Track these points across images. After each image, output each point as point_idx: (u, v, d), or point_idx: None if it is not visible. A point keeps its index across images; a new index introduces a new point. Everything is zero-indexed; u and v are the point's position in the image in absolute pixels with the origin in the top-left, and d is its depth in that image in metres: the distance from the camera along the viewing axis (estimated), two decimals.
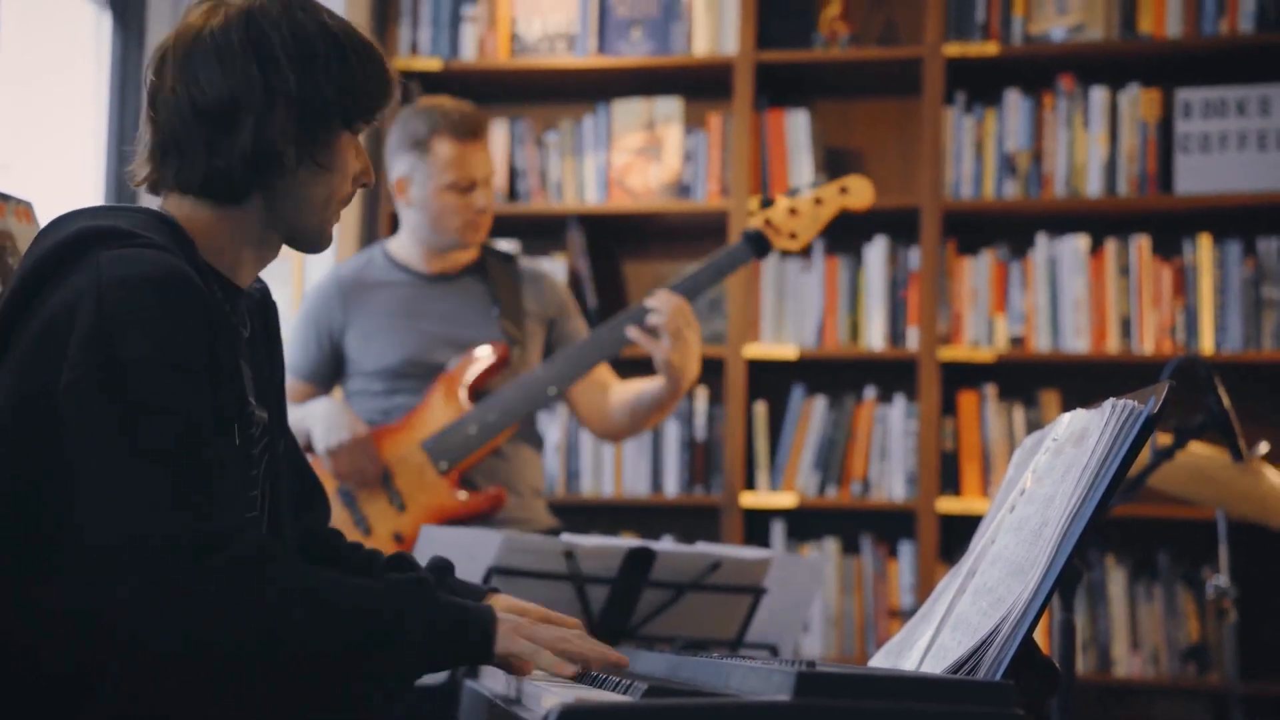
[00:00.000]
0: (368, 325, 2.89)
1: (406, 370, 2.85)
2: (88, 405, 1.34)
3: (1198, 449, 2.61)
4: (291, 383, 2.91)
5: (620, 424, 2.93)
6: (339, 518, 2.72)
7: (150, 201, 1.59)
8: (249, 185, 1.50)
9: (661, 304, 2.68)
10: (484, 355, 2.82)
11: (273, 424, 1.60)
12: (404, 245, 2.95)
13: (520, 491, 2.86)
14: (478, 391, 2.81)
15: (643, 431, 3.03)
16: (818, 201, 2.80)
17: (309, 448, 2.80)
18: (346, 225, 3.98)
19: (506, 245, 3.13)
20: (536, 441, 2.95)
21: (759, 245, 2.78)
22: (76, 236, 1.43)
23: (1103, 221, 3.77)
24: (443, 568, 1.67)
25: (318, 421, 2.78)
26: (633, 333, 2.70)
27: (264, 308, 1.65)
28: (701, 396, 3.89)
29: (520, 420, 2.79)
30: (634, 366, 2.94)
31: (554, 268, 3.90)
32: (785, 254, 2.94)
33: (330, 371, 2.95)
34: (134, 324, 1.36)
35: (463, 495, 2.76)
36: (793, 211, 2.78)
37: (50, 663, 1.38)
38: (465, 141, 2.81)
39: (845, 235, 3.89)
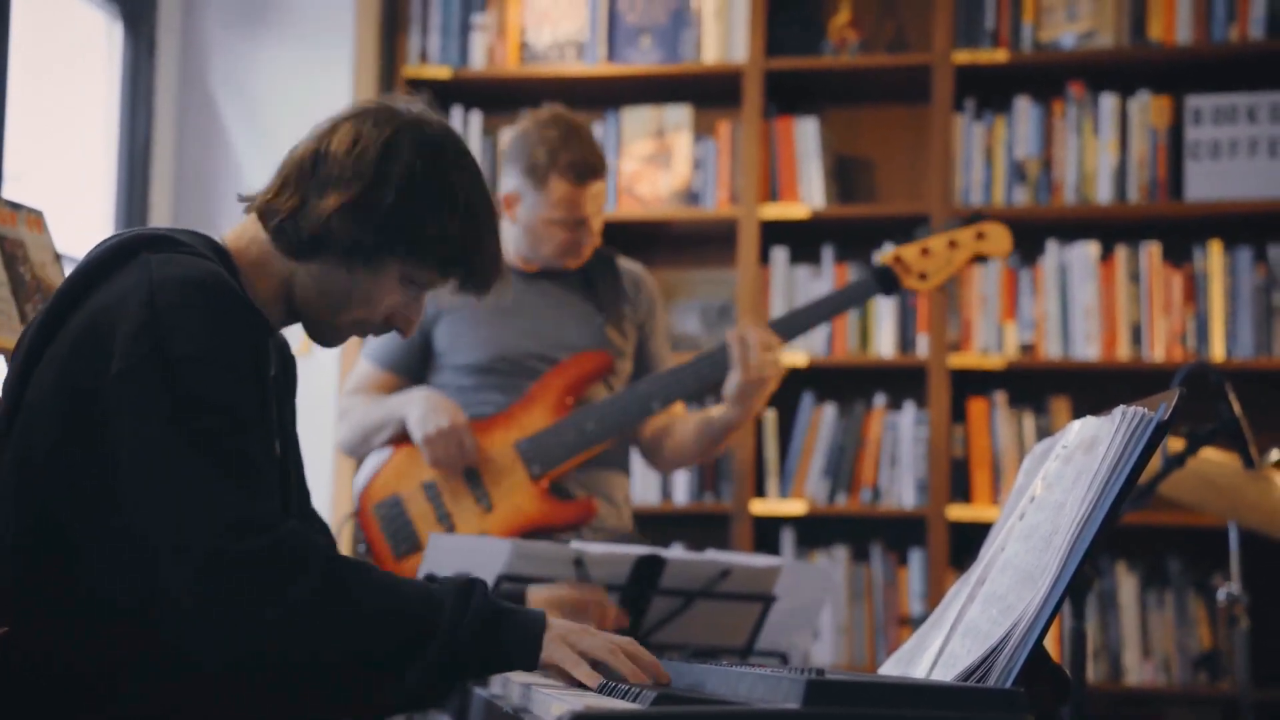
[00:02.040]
0: (459, 319, 2.81)
1: (497, 367, 2.77)
2: (138, 396, 1.38)
3: (1209, 456, 2.60)
4: (375, 371, 2.86)
5: (688, 454, 2.85)
6: (422, 511, 2.68)
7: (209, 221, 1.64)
8: (302, 247, 1.56)
9: (753, 338, 2.62)
10: (587, 361, 2.75)
11: (287, 462, 1.63)
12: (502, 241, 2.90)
13: (615, 501, 2.80)
14: (576, 397, 2.75)
15: (700, 463, 2.98)
16: (952, 244, 2.74)
17: (402, 437, 2.73)
18: None
19: None
20: (628, 452, 2.88)
21: (886, 281, 2.72)
22: (125, 241, 1.48)
23: (1113, 228, 3.77)
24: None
25: (415, 406, 2.69)
26: (730, 337, 2.63)
27: (284, 359, 1.68)
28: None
29: (619, 433, 2.72)
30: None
31: None
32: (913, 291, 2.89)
33: (418, 362, 2.85)
34: (184, 322, 1.40)
35: (553, 503, 2.68)
36: (925, 251, 2.73)
37: (74, 660, 1.39)
38: (583, 185, 2.73)
39: (855, 242, 3.89)
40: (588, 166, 2.73)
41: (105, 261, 1.47)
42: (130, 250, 1.47)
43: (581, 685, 1.42)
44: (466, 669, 1.43)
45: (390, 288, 1.58)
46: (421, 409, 2.68)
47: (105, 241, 1.51)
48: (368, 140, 1.55)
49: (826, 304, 2.76)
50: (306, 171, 1.56)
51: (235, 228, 1.61)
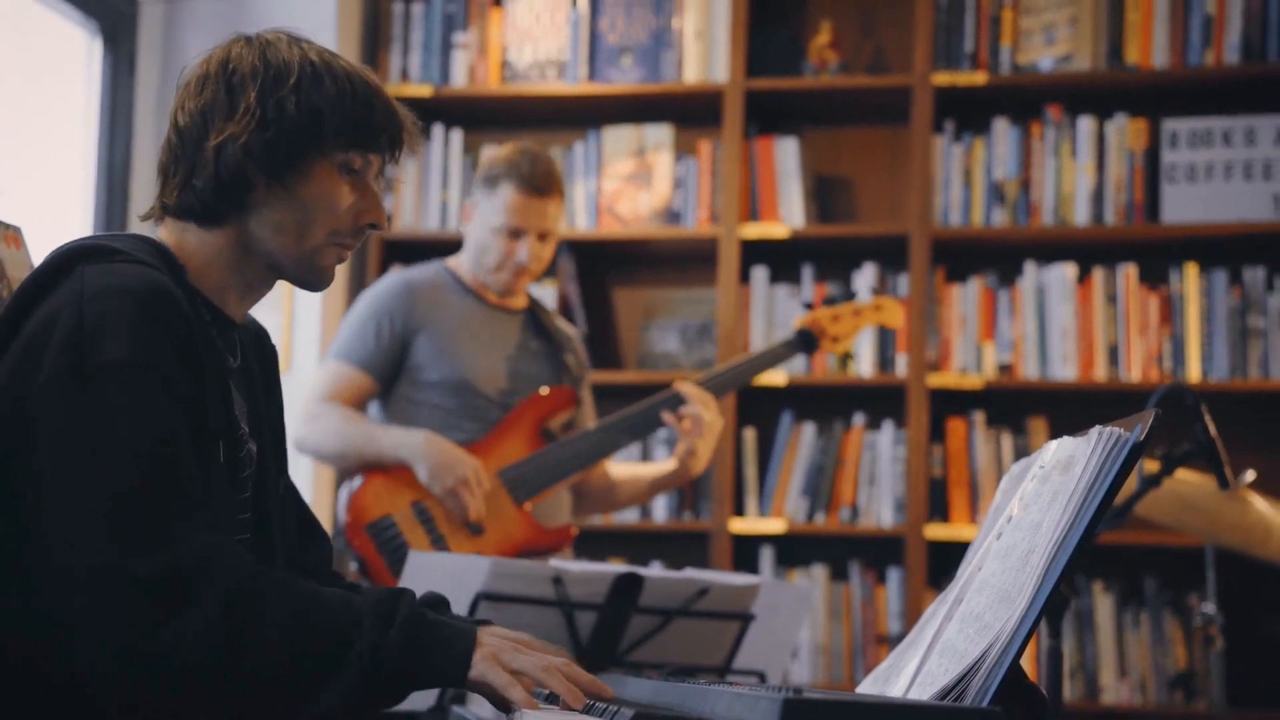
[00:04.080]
0: (440, 334, 2.89)
1: (471, 388, 2.87)
2: (57, 406, 1.35)
3: (1185, 476, 2.62)
4: (349, 371, 2.88)
5: (617, 501, 3.06)
6: (416, 533, 2.72)
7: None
8: (221, 207, 1.52)
9: (691, 397, 2.82)
10: (558, 396, 2.89)
11: (266, 459, 1.59)
12: (465, 268, 2.99)
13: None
14: (544, 430, 2.87)
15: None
16: (856, 313, 3.07)
17: (383, 467, 2.78)
18: None
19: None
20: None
21: (808, 342, 3.03)
22: (64, 254, 1.46)
23: (1090, 250, 3.79)
24: (438, 602, 1.65)
25: (418, 458, 2.74)
26: (667, 416, 2.83)
27: (261, 349, 1.65)
28: None
29: (593, 464, 2.87)
30: None
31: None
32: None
33: (392, 366, 2.90)
34: (111, 331, 1.37)
35: (537, 528, 2.79)
36: (835, 318, 3.05)
37: (48, 670, 1.38)
38: (529, 195, 2.84)
39: (834, 262, 3.91)
40: (537, 180, 2.86)
41: (42, 280, 1.44)
42: (67, 264, 1.44)
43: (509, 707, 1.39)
44: (390, 684, 1.39)
45: (335, 185, 1.53)
46: (429, 463, 2.73)
47: (46, 258, 1.48)
48: (206, 77, 1.53)
49: (751, 364, 3.00)
50: (175, 146, 1.53)
51: (160, 231, 1.57)
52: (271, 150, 1.50)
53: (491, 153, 2.99)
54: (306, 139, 1.51)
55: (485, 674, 1.39)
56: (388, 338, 2.89)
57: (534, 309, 3.02)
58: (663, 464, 2.99)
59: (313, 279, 1.57)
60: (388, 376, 2.90)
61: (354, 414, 2.86)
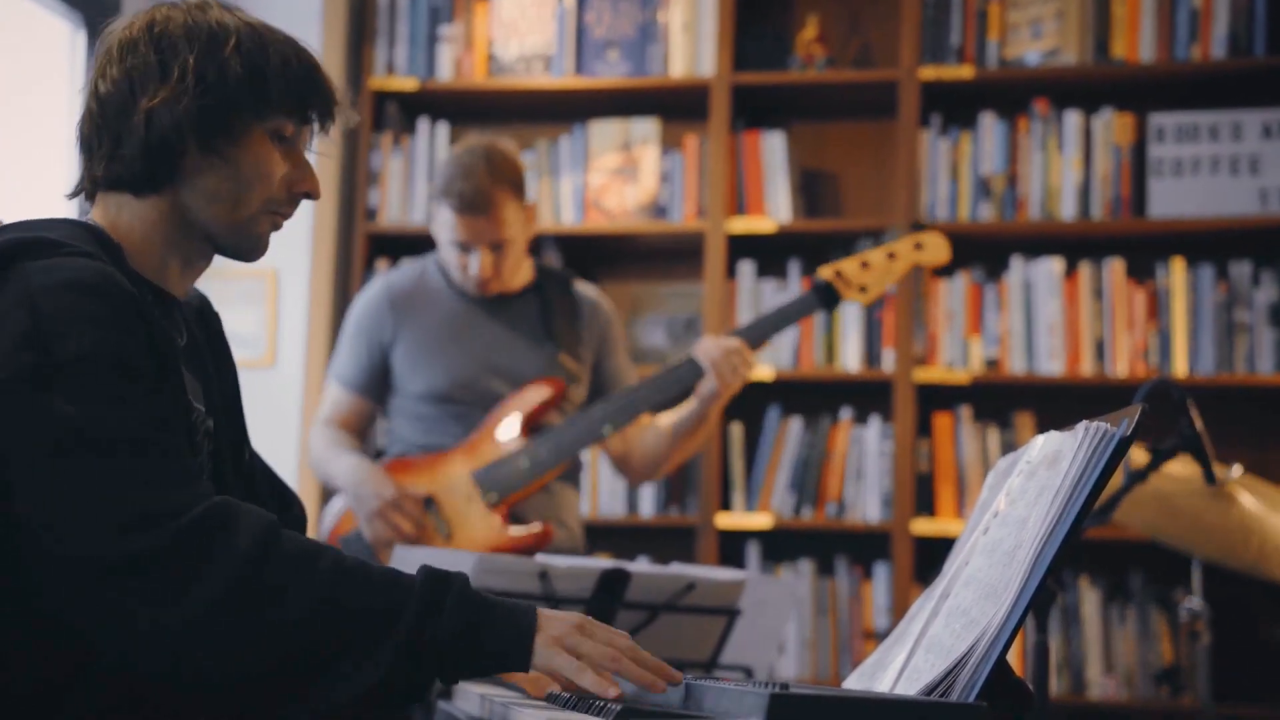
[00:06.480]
0: (415, 344, 2.87)
1: (452, 396, 2.83)
2: (22, 406, 1.32)
3: (1172, 470, 2.61)
4: (344, 394, 2.92)
5: (659, 459, 2.91)
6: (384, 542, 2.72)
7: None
8: (153, 174, 1.49)
9: (717, 351, 2.69)
10: (542, 390, 2.81)
11: (222, 433, 1.56)
12: None
13: (569, 525, 2.86)
14: (532, 425, 2.80)
15: (672, 469, 3.02)
16: (891, 256, 2.78)
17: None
18: (322, 246, 3.97)
19: None
20: (578, 475, 2.95)
21: (827, 296, 2.76)
22: (1, 250, 1.41)
23: (1077, 244, 3.79)
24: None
25: (345, 489, 2.77)
26: (699, 352, 2.70)
27: (204, 318, 1.62)
28: None
29: (571, 458, 2.78)
30: None
31: None
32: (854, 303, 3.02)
33: (382, 384, 2.92)
34: (68, 325, 1.34)
35: (511, 530, 2.74)
36: (864, 265, 2.76)
37: (18, 676, 1.36)
38: (462, 214, 2.78)
39: (821, 256, 3.90)
40: (464, 201, 2.77)
41: None
42: (7, 259, 1.39)
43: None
44: (441, 666, 1.33)
45: (269, 153, 1.51)
46: (352, 494, 2.75)
47: None
48: (132, 43, 1.49)
49: (770, 320, 2.78)
50: (96, 116, 1.49)
51: (95, 209, 1.54)
52: (208, 115, 1.47)
53: (448, 155, 2.86)
54: (245, 104, 1.48)
55: (550, 661, 1.34)
56: (367, 357, 2.91)
57: (541, 284, 2.93)
58: (684, 408, 2.84)
59: (247, 248, 1.55)
60: (379, 392, 2.93)
61: (333, 440, 2.87)
